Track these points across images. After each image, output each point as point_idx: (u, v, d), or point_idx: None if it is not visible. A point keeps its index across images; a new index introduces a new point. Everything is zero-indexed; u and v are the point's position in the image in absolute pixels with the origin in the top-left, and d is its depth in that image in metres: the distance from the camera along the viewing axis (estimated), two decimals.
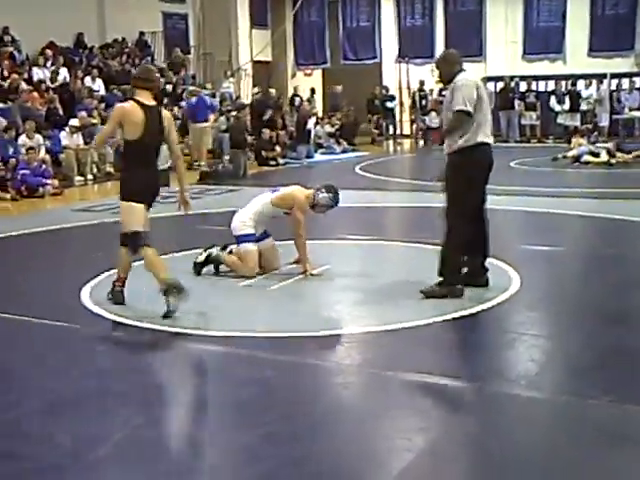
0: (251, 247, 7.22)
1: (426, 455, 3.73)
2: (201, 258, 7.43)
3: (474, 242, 6.47)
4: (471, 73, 6.50)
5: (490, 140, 6.34)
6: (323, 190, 7.19)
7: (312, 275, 7.14)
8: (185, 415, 4.35)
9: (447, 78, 6.42)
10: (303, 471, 3.62)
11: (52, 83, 18.33)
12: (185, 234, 8.39)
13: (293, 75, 28.05)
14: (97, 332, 5.78)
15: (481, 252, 6.53)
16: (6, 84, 17.07)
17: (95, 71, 19.77)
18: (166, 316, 5.83)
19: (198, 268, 7.41)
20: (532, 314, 6.13)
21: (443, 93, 23.82)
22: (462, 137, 6.20)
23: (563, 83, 23.26)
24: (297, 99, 23.59)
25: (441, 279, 6.33)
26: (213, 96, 20.73)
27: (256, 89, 23.20)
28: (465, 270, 6.49)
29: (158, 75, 7.47)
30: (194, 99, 18.93)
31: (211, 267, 7.39)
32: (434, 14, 25.75)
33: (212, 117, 18.71)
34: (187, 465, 3.85)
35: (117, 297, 6.35)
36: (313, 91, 25.43)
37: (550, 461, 3.67)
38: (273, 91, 22.93)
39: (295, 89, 25.13)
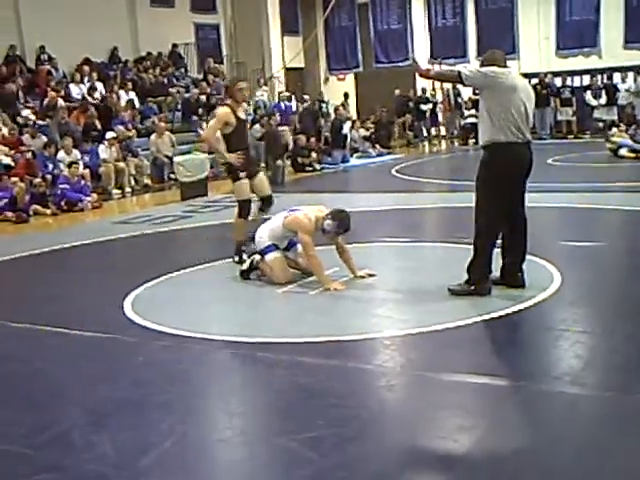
0: (274, 255, 7.29)
1: (471, 455, 3.71)
2: (245, 265, 7.56)
3: (511, 242, 6.43)
4: (510, 70, 6.41)
5: (520, 140, 6.17)
6: (329, 217, 7.13)
7: (357, 277, 7.17)
8: (229, 422, 4.36)
9: None
10: (351, 475, 3.62)
11: (90, 98, 18.54)
12: (226, 242, 8.43)
13: (326, 80, 28.10)
14: (140, 342, 5.83)
15: (518, 252, 6.47)
16: (45, 102, 17.32)
17: (130, 84, 19.96)
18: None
19: (244, 275, 7.52)
20: (574, 311, 6.07)
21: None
22: (488, 134, 6.17)
23: (599, 77, 23.03)
24: (324, 105, 23.67)
25: (467, 277, 6.35)
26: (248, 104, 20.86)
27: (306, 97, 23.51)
28: (498, 269, 6.47)
29: (240, 85, 8.21)
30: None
31: (258, 272, 7.46)
32: (465, 13, 25.66)
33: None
34: (232, 472, 3.88)
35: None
36: (347, 95, 25.42)
37: (598, 458, 3.64)
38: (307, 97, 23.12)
39: (320, 95, 25.14)
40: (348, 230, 7.20)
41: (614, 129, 17.96)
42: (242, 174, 8.11)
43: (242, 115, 8.18)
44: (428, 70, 6.61)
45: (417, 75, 6.69)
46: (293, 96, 23.46)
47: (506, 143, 6.13)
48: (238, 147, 8.09)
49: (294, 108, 22.63)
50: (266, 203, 8.34)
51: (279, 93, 23.67)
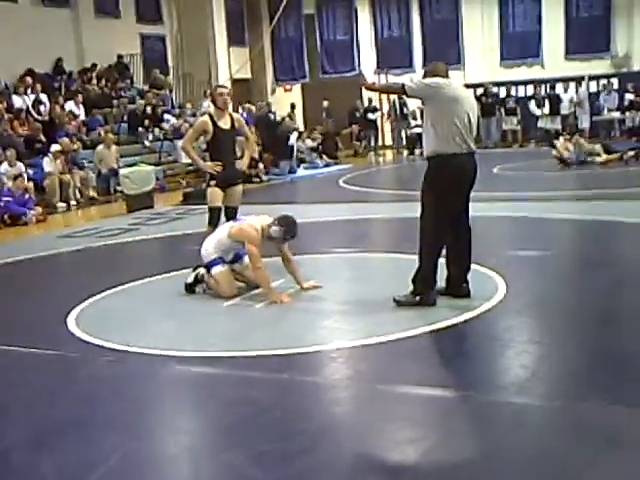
0: (220, 269, 7.23)
1: (419, 467, 3.70)
2: (190, 279, 7.48)
3: (455, 252, 6.47)
4: (453, 81, 6.44)
5: (464, 150, 6.20)
6: (276, 223, 7.11)
7: (304, 289, 7.16)
8: (175, 439, 4.31)
9: None
10: None
11: (34, 110, 18.28)
12: (172, 255, 8.36)
13: (273, 91, 28.11)
14: (84, 358, 5.73)
15: (463, 262, 6.50)
16: None
17: (80, 96, 19.74)
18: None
19: (190, 288, 7.44)
20: (520, 320, 6.11)
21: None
22: (432, 145, 6.19)
23: (542, 87, 23.39)
24: (271, 115, 23.62)
25: (413, 288, 6.37)
26: (193, 115, 20.76)
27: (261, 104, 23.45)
28: (444, 280, 6.50)
29: (219, 90, 8.26)
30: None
31: (203, 286, 7.40)
32: (411, 24, 25.92)
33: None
34: None
35: None
36: (293, 106, 25.45)
37: (546, 467, 3.64)
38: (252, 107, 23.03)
39: (269, 105, 25.10)
40: (295, 235, 7.17)
41: (560, 138, 18.26)
42: (212, 182, 8.08)
43: (223, 124, 8.06)
44: (373, 83, 6.67)
45: (363, 88, 6.75)
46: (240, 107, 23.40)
47: (450, 154, 6.16)
48: (218, 155, 8.07)
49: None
50: (229, 213, 8.22)
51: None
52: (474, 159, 6.35)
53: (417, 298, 6.33)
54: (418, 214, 6.40)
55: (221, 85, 8.78)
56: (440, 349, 5.53)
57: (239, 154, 8.78)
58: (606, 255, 8.15)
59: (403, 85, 6.28)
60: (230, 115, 8.24)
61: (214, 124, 8.01)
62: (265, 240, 7.14)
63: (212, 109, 8.29)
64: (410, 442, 4.01)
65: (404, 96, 6.61)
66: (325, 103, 25.17)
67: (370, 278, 7.96)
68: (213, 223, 8.02)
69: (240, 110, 21.85)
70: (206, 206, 8.18)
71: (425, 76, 6.43)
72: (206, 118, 8.15)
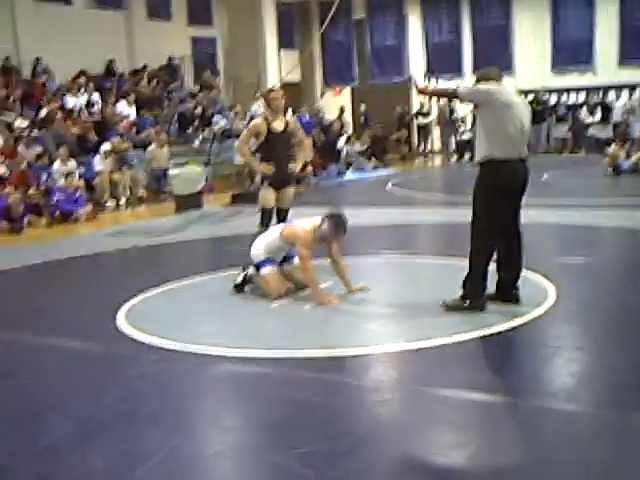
0: (269, 269, 7.26)
1: (464, 472, 3.68)
2: (239, 279, 7.53)
3: (506, 258, 6.42)
4: (506, 87, 6.40)
5: (516, 156, 6.18)
6: (325, 221, 7.12)
7: (351, 291, 7.16)
8: (221, 437, 4.33)
9: None
10: None
11: (87, 111, 18.52)
12: (221, 255, 8.41)
13: (322, 95, 28.15)
14: (132, 356, 5.79)
15: (514, 268, 6.45)
16: (42, 112, 17.30)
17: (132, 96, 19.96)
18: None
19: (238, 288, 7.50)
20: (569, 327, 6.06)
21: None
22: (485, 150, 6.17)
23: (594, 94, 23.15)
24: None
25: (462, 293, 6.35)
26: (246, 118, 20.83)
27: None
28: (494, 285, 6.47)
29: (272, 95, 8.29)
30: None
31: (252, 286, 7.44)
32: (461, 30, 25.79)
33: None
34: None
35: None
36: (342, 110, 25.47)
37: (593, 476, 3.61)
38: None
39: (317, 109, 25.21)
40: (346, 229, 7.18)
41: (613, 145, 18.06)
42: (265, 182, 8.15)
43: (277, 127, 8.08)
44: (426, 87, 6.63)
45: (415, 92, 6.73)
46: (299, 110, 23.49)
47: (502, 160, 6.13)
48: (269, 157, 8.10)
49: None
50: (280, 214, 8.27)
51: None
52: (525, 166, 6.31)
53: (466, 303, 6.31)
54: (470, 219, 6.37)
55: (274, 88, 8.79)
56: (487, 355, 5.50)
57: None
58: None
59: (455, 89, 6.34)
60: (285, 118, 8.28)
61: (268, 126, 8.05)
62: (317, 242, 7.15)
63: (267, 111, 8.32)
64: (454, 446, 3.98)
65: (456, 100, 6.58)
66: (362, 107, 25.08)
67: (417, 282, 7.93)
68: (264, 224, 8.06)
69: (302, 113, 21.93)
70: (254, 207, 8.22)
71: (478, 81, 6.41)
72: (261, 120, 8.20)
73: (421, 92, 6.61)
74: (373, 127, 23.76)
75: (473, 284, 6.32)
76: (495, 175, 6.19)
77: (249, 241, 7.61)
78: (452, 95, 6.45)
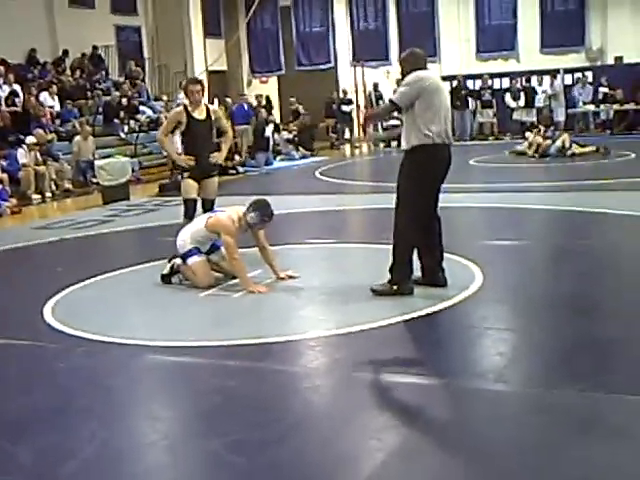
0: (196, 259, 7.22)
1: (397, 454, 3.72)
2: (166, 269, 7.45)
3: (428, 241, 6.48)
4: (431, 72, 6.43)
5: (443, 140, 6.21)
6: (250, 209, 7.11)
7: (280, 279, 7.16)
8: (150, 427, 4.29)
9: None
10: (273, 477, 3.59)
11: (7, 102, 18.12)
12: (148, 246, 8.32)
13: (249, 83, 28.04)
14: (60, 348, 5.71)
15: (436, 252, 6.52)
16: None
17: (54, 88, 19.59)
18: None
19: (166, 279, 7.42)
20: (496, 308, 6.15)
21: None
22: (416, 136, 6.17)
23: (518, 80, 23.51)
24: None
25: (390, 278, 6.38)
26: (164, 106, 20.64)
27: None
28: (420, 270, 6.53)
29: (190, 88, 8.14)
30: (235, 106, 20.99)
31: (179, 276, 7.38)
32: (387, 16, 25.91)
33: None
34: (157, 477, 3.82)
35: None
36: (268, 99, 25.38)
37: (522, 454, 3.67)
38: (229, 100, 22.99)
39: (242, 97, 25.09)
40: (271, 216, 7.14)
41: (528, 133, 18.54)
42: (186, 174, 8.06)
43: (198, 115, 7.99)
44: (369, 114, 6.62)
45: (362, 122, 6.71)
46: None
47: (432, 145, 6.16)
48: (192, 147, 8.02)
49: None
50: (206, 205, 8.18)
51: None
52: (450, 150, 6.37)
53: (394, 287, 6.35)
54: (394, 205, 6.41)
55: (194, 79, 8.68)
56: (417, 338, 5.56)
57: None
58: (579, 244, 8.21)
59: (392, 102, 6.29)
60: (206, 106, 8.19)
61: (188, 115, 7.96)
62: (243, 230, 7.13)
63: (187, 100, 8.24)
64: (387, 429, 4.02)
65: (395, 111, 6.49)
66: (292, 100, 25.01)
67: (346, 268, 7.98)
68: (189, 215, 7.98)
69: (242, 103, 22.00)
70: (181, 198, 8.15)
71: (404, 67, 6.41)
72: (180, 109, 8.13)
73: (367, 120, 6.62)
74: (301, 115, 23.72)
75: (399, 270, 6.36)
76: (425, 161, 6.21)
77: (177, 232, 7.55)
78: (394, 109, 6.36)
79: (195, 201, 8.09)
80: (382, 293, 6.36)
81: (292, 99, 24.85)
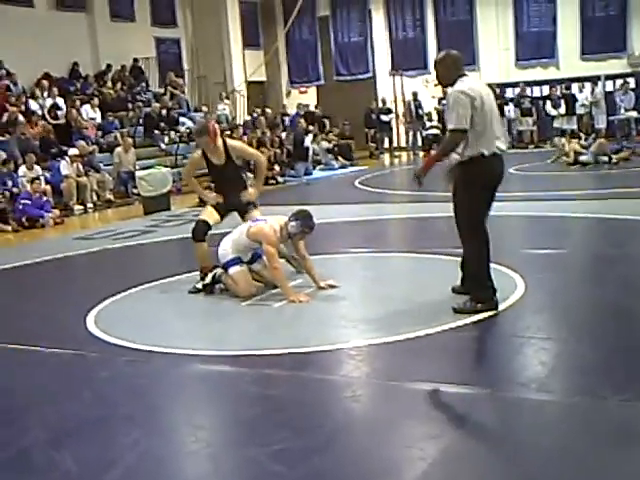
0: (237, 268, 7.24)
1: (439, 463, 3.70)
2: (208, 279, 7.48)
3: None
4: (472, 79, 6.21)
5: (496, 150, 6.00)
6: (292, 219, 7.14)
7: (320, 288, 7.16)
8: (192, 435, 4.31)
9: (445, 81, 6.13)
10: None
11: (50, 114, 18.37)
12: (189, 256, 8.34)
13: (288, 94, 28.14)
14: (103, 358, 5.76)
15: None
16: (4, 117, 17.13)
17: (96, 100, 19.83)
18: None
19: (207, 289, 7.46)
20: (538, 318, 6.10)
21: (443, 102, 24.04)
22: (465, 149, 5.93)
23: (558, 87, 23.33)
24: (286, 119, 23.71)
25: (470, 295, 6.11)
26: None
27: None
28: (460, 279, 6.42)
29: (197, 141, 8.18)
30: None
31: (221, 286, 7.42)
32: (425, 25, 25.88)
33: None
34: None
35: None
36: (307, 108, 25.48)
37: (565, 464, 3.64)
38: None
39: (284, 107, 25.34)
40: (313, 227, 7.17)
41: (562, 139, 18.43)
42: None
43: (216, 160, 7.71)
44: (431, 160, 6.17)
45: (424, 172, 6.18)
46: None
47: (485, 157, 5.95)
48: (219, 188, 7.87)
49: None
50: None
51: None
52: (503, 160, 6.16)
53: (478, 305, 6.04)
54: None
55: (198, 131, 8.10)
56: (459, 347, 5.52)
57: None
58: (623, 252, 8.11)
59: (455, 130, 5.87)
60: (225, 147, 7.75)
61: (207, 160, 7.77)
62: (284, 239, 7.16)
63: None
64: (427, 439, 4.00)
65: (462, 134, 5.87)
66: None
67: (386, 277, 7.95)
68: (194, 235, 7.71)
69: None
70: None
71: (440, 71, 6.18)
72: (199, 154, 7.89)
73: (435, 161, 6.14)
74: (340, 125, 23.76)
75: (481, 285, 6.08)
76: (483, 171, 6.01)
77: (218, 241, 7.59)
78: (462, 136, 5.87)
79: (206, 224, 7.73)
80: (463, 311, 6.05)
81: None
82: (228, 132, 18.94)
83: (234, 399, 4.80)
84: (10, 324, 6.99)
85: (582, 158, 16.91)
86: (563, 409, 4.31)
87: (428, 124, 23.74)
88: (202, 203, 7.96)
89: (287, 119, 23.90)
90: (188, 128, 20.54)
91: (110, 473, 3.82)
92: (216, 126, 7.96)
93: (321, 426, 4.22)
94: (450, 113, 5.92)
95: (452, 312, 6.03)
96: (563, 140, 18.37)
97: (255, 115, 22.93)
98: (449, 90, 6.04)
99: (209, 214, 7.81)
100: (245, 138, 19.58)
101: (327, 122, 24.22)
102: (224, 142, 7.79)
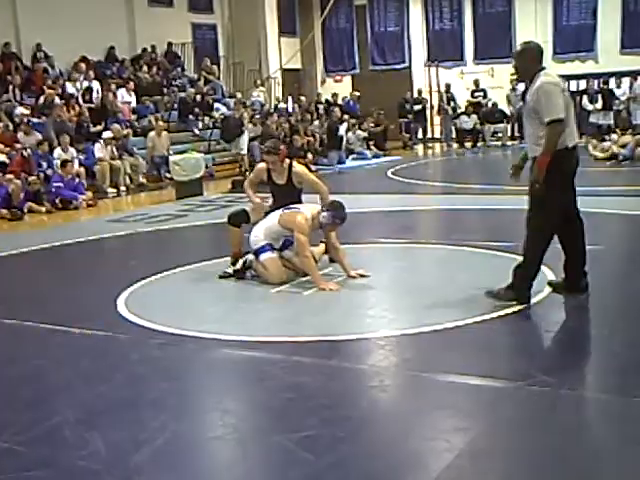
0: (269, 255, 7.26)
1: (465, 455, 3.69)
2: (239, 265, 7.51)
3: (570, 244, 6.26)
4: (551, 72, 6.09)
5: (573, 143, 5.97)
6: (324, 209, 7.15)
7: (351, 277, 7.17)
8: (222, 420, 4.33)
9: (525, 75, 6.03)
10: (343, 474, 3.60)
11: (84, 97, 18.50)
12: (221, 241, 8.38)
13: (323, 82, 28.10)
14: (134, 340, 5.80)
15: (579, 255, 6.28)
16: (41, 99, 17.28)
17: (131, 84, 19.94)
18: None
19: (238, 274, 7.48)
20: (569, 312, 6.06)
21: (476, 94, 23.89)
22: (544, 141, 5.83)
23: (595, 82, 23.06)
24: (321, 107, 23.67)
25: (512, 283, 6.05)
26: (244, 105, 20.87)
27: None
28: (562, 275, 6.31)
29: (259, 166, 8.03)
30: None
31: (252, 272, 7.45)
32: (462, 17, 25.70)
33: None
34: (226, 470, 3.86)
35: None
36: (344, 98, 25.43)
37: (590, 459, 3.62)
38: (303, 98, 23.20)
39: (318, 96, 25.28)
40: (344, 219, 7.20)
41: (593, 141, 18.21)
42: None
43: (278, 179, 7.70)
44: (544, 160, 6.05)
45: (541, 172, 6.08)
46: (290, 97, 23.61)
47: (564, 149, 5.90)
48: (276, 204, 7.70)
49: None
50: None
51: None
52: (578, 150, 6.15)
53: (512, 294, 6.01)
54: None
55: (266, 150, 7.80)
56: (488, 340, 5.49)
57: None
58: None
59: (554, 121, 5.76)
60: (290, 169, 7.73)
61: (269, 176, 7.77)
62: (315, 228, 7.17)
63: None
64: (455, 431, 3.99)
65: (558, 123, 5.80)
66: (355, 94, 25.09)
67: (417, 268, 7.94)
68: (232, 219, 7.75)
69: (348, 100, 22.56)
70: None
71: (520, 63, 6.08)
72: (263, 167, 7.85)
73: (547, 160, 6.03)
74: (374, 114, 23.68)
75: (524, 277, 6.03)
76: (566, 162, 5.96)
77: (249, 227, 7.61)
78: (560, 128, 5.79)
79: (247, 215, 7.75)
80: (497, 297, 6.04)
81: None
82: (262, 118, 18.99)
83: (262, 385, 4.81)
84: (43, 305, 7.06)
85: (624, 153, 16.75)
86: (594, 406, 4.28)
87: (463, 117, 23.61)
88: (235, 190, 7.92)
89: (321, 107, 23.84)
90: (222, 114, 20.59)
91: (138, 454, 3.86)
92: (285, 150, 7.80)
93: (348, 416, 4.22)
94: (546, 105, 5.78)
95: (482, 304, 6.00)
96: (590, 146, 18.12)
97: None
98: (537, 83, 5.86)
99: (253, 210, 7.80)
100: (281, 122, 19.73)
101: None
102: (290, 165, 7.76)
